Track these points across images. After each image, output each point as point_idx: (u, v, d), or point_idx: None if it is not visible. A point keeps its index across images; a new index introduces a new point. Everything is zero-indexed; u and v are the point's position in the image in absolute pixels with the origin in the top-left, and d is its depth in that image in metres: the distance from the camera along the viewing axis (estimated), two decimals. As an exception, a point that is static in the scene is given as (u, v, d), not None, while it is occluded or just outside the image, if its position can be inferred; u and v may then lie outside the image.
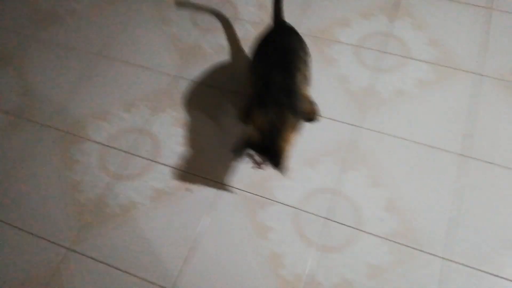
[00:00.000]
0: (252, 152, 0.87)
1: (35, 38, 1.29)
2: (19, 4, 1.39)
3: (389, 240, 0.94)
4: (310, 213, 0.98)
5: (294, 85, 0.92)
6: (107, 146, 1.10)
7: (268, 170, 1.00)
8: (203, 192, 1.02)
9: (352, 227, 0.96)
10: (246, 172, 1.03)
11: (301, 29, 1.13)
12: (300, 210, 0.99)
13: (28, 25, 1.33)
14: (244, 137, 0.89)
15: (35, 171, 1.07)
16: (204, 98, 1.16)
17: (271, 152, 0.85)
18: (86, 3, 1.37)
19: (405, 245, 0.94)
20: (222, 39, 1.22)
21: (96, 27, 1.31)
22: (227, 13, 1.28)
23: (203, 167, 1.05)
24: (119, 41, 1.27)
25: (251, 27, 1.24)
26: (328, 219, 0.98)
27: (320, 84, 1.13)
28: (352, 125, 1.07)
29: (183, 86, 1.18)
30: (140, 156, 1.08)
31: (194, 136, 1.09)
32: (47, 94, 1.18)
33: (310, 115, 0.99)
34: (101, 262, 0.96)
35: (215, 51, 1.21)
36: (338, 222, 0.97)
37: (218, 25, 1.26)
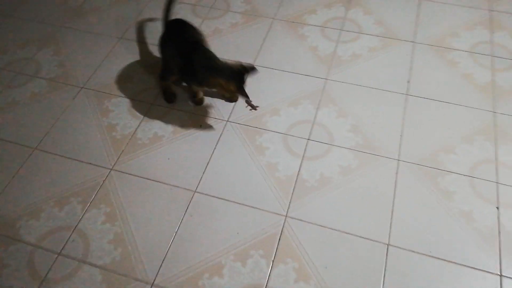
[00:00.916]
0: (249, 100, 1.33)
1: None
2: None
3: (354, 150, 1.28)
4: (295, 136, 1.34)
5: (214, 58, 1.36)
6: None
7: (259, 110, 1.41)
8: (212, 129, 1.41)
9: (327, 143, 1.31)
10: (245, 112, 1.40)
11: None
12: (288, 135, 1.34)
13: None
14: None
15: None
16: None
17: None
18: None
19: (367, 152, 1.28)
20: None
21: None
22: None
23: (210, 110, 1.40)
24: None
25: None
26: (309, 139, 1.34)
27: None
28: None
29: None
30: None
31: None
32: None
33: (242, 67, 1.32)
34: (139, 176, 1.27)
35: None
36: (316, 141, 1.33)
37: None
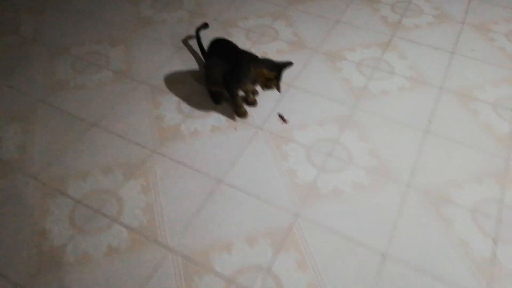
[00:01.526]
0: (281, 114, 1.59)
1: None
2: None
3: (369, 171, 1.41)
4: (318, 150, 1.50)
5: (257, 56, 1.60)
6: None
7: (289, 124, 1.57)
8: (246, 132, 1.58)
9: (345, 161, 1.46)
10: (275, 123, 1.60)
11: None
12: (311, 148, 1.51)
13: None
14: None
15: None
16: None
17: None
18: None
19: (380, 175, 1.41)
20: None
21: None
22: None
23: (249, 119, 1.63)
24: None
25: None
26: (330, 155, 1.49)
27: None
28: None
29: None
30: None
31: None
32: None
33: (281, 62, 1.53)
34: (175, 160, 1.48)
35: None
36: (336, 157, 1.48)
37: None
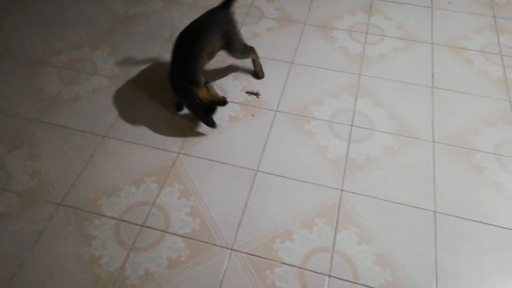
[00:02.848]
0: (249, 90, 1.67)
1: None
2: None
3: (394, 134, 1.41)
4: (339, 123, 1.52)
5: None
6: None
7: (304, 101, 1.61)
8: (264, 117, 1.56)
9: (369, 128, 1.49)
10: (292, 102, 1.58)
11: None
12: (332, 122, 1.52)
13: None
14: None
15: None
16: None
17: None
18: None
19: (405, 136, 1.41)
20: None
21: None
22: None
23: (260, 101, 1.59)
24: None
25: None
26: (352, 125, 1.51)
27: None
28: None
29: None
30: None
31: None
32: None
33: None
34: (204, 158, 1.42)
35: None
36: (358, 127, 1.50)
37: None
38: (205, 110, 1.48)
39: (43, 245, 1.26)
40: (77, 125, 1.57)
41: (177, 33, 1.55)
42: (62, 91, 1.68)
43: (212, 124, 1.53)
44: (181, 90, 1.50)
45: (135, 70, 1.78)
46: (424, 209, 1.35)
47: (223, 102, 1.44)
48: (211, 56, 1.57)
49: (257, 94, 1.70)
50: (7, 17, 2.01)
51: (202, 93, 1.45)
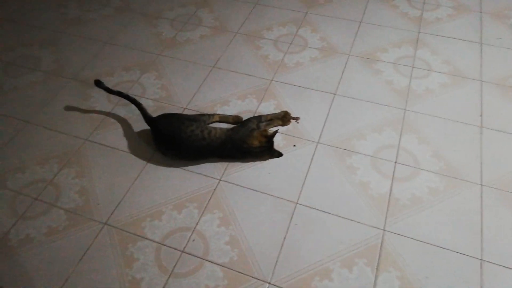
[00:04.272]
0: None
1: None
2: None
3: (439, 174, 1.37)
4: (383, 159, 1.49)
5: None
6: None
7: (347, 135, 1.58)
8: (305, 148, 1.57)
9: (413, 167, 1.48)
10: (333, 134, 1.57)
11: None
12: (376, 157, 1.49)
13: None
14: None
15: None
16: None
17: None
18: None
19: (451, 177, 1.41)
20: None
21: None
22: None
23: (301, 132, 1.59)
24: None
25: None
26: (396, 162, 1.49)
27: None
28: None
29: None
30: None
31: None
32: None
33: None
34: (245, 187, 1.44)
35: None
36: (403, 164, 1.48)
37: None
38: (267, 148, 1.53)
39: (88, 263, 1.29)
40: (124, 147, 1.62)
41: (222, 60, 1.59)
42: (111, 112, 1.75)
43: (279, 154, 1.56)
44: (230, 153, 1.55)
45: (180, 95, 1.83)
46: (470, 256, 1.30)
47: (276, 132, 1.52)
48: None
49: (296, 119, 1.71)
50: (62, 38, 2.13)
51: (259, 135, 1.52)
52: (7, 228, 1.38)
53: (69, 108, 1.78)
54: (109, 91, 1.67)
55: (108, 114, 1.75)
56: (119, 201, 1.45)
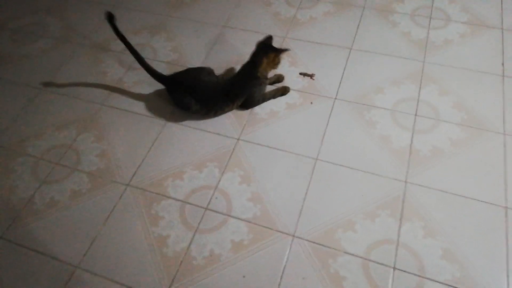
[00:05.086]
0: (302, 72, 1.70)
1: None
2: None
3: (461, 124, 1.35)
4: (402, 112, 1.46)
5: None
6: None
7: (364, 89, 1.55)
8: (323, 105, 1.56)
9: (434, 118, 1.47)
10: (350, 89, 1.57)
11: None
12: (395, 110, 1.47)
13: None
14: None
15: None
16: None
17: None
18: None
19: (473, 127, 1.37)
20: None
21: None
22: None
23: (318, 88, 1.58)
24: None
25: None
26: (416, 115, 1.46)
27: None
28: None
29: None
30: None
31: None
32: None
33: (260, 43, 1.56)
34: (264, 145, 1.42)
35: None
36: (423, 116, 1.44)
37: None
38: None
39: (113, 223, 1.32)
40: (140, 110, 1.61)
41: (232, 18, 1.60)
42: (124, 76, 1.73)
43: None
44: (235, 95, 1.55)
45: (192, 56, 1.80)
46: (494, 204, 1.30)
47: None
48: None
49: (311, 76, 1.67)
50: (69, 3, 2.08)
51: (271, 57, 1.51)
52: (32, 193, 1.40)
53: (82, 74, 1.76)
54: (116, 31, 1.53)
55: (121, 77, 1.73)
56: (140, 163, 1.45)
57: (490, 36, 1.78)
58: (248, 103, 1.57)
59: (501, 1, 1.91)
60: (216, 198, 1.35)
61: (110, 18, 1.51)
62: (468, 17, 1.86)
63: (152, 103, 1.63)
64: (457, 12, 1.89)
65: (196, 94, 1.50)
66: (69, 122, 1.59)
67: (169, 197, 1.36)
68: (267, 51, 1.49)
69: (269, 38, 1.54)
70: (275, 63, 1.52)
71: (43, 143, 1.53)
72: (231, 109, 1.57)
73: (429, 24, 1.85)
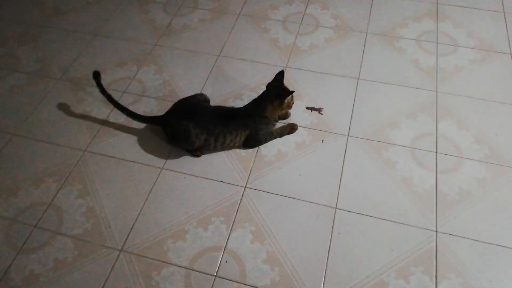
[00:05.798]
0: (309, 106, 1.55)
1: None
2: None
3: (485, 162, 1.23)
4: (422, 149, 1.34)
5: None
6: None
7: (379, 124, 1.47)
8: (335, 143, 1.44)
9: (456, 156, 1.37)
10: (362, 125, 1.45)
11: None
12: (414, 148, 1.34)
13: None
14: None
15: None
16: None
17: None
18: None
19: (498, 164, 1.24)
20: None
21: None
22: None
23: (328, 124, 1.46)
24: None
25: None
26: (437, 152, 1.34)
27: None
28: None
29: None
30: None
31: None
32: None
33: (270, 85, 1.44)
34: (274, 193, 1.31)
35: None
36: (444, 154, 1.32)
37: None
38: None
39: (106, 299, 1.12)
40: (130, 156, 1.42)
41: (227, 46, 1.44)
42: (109, 116, 1.54)
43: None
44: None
45: (185, 90, 1.62)
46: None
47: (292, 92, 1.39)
48: None
49: (319, 110, 1.53)
50: (42, 33, 1.87)
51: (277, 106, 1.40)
52: (7, 265, 1.18)
53: (60, 115, 1.55)
54: (101, 90, 1.43)
55: (106, 118, 1.53)
56: (134, 221, 1.26)
57: (501, 62, 1.69)
58: (252, 140, 1.41)
59: (506, 25, 1.84)
60: (226, 262, 1.17)
61: (96, 75, 1.42)
62: (476, 42, 1.77)
63: (144, 146, 1.44)
64: (463, 37, 1.80)
65: (193, 117, 1.34)
66: (47, 174, 1.37)
67: (170, 264, 1.17)
68: (271, 99, 1.37)
69: (279, 75, 1.39)
70: (282, 108, 1.40)
71: (17, 200, 1.31)
72: (234, 143, 1.39)
73: (437, 50, 1.75)
